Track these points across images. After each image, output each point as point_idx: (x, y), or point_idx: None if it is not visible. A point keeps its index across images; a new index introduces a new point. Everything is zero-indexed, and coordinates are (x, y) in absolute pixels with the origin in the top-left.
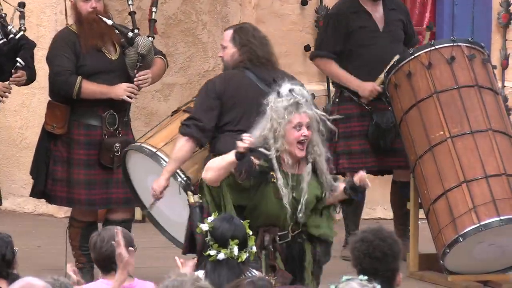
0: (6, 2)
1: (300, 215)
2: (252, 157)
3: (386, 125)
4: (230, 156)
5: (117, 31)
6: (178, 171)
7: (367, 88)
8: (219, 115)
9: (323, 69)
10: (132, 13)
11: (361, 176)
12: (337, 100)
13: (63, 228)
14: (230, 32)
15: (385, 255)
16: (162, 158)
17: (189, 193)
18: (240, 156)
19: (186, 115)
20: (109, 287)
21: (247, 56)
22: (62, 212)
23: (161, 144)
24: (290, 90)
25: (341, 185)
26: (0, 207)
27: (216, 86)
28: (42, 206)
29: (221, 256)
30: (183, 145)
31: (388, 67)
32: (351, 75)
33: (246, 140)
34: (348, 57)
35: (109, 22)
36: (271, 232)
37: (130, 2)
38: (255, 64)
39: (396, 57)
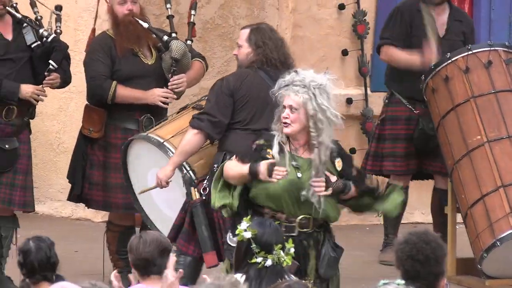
0: (42, 4)
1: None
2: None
3: (431, 131)
4: (244, 170)
5: (153, 35)
6: (184, 163)
7: (428, 56)
8: (232, 110)
9: (389, 58)
10: (170, 17)
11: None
12: (387, 101)
13: (100, 232)
14: (246, 32)
15: (427, 258)
16: (169, 149)
17: (193, 189)
18: (254, 175)
19: (195, 112)
20: None
21: (261, 58)
22: (100, 216)
23: (168, 136)
24: (295, 71)
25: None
26: (37, 211)
27: (230, 83)
28: (79, 210)
29: (269, 262)
30: (192, 138)
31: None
32: (411, 54)
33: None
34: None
35: (145, 25)
36: (277, 219)
37: (168, 6)
38: (269, 65)
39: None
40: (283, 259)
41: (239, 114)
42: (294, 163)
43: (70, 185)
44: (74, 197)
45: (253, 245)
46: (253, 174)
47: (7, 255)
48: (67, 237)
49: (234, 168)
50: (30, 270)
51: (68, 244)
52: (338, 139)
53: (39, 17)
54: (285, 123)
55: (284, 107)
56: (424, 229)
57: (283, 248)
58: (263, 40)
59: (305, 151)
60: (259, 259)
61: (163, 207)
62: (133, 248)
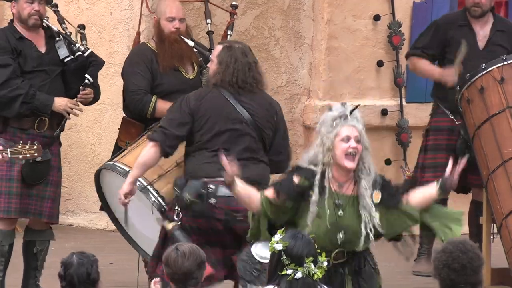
0: (68, 22)
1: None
2: (294, 176)
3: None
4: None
5: (196, 51)
6: (152, 190)
7: (449, 74)
8: (190, 130)
9: (414, 67)
10: (210, 33)
11: (450, 170)
12: (432, 112)
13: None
14: (219, 47)
15: (463, 268)
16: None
17: (166, 222)
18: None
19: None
20: None
21: (225, 78)
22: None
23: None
24: (342, 104)
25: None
26: (73, 223)
27: (190, 102)
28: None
29: (298, 275)
30: (148, 151)
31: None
32: (434, 66)
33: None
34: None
35: (191, 43)
36: None
37: (208, 21)
38: (232, 87)
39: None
40: (313, 272)
41: (200, 133)
42: (337, 201)
43: None
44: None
45: (284, 257)
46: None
47: (42, 267)
48: (102, 249)
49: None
50: (69, 284)
51: (103, 255)
52: (373, 150)
53: (68, 33)
54: (353, 154)
55: (349, 138)
56: (462, 239)
57: (314, 261)
58: (229, 61)
59: (349, 186)
60: (289, 271)
61: (145, 231)
62: (171, 261)
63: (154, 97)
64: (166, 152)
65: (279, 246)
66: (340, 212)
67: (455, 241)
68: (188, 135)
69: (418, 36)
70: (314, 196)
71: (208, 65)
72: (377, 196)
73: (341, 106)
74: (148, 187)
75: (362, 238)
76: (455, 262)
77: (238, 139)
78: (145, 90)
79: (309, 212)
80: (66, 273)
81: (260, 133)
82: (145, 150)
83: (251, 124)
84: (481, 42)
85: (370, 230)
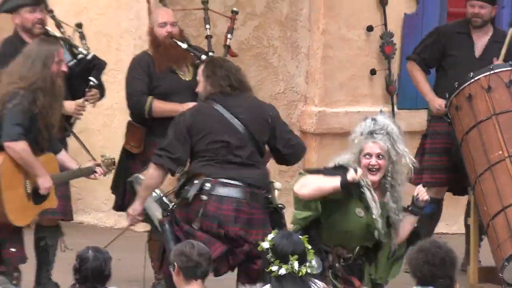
0: (66, 24)
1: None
2: (347, 174)
3: None
4: (335, 182)
5: (191, 53)
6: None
7: (435, 104)
8: (190, 146)
9: (410, 72)
10: (208, 37)
11: (419, 190)
12: (429, 118)
13: (142, 241)
14: (202, 66)
15: (443, 261)
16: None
17: (159, 213)
18: (345, 185)
19: None
20: None
21: (214, 86)
22: (142, 226)
23: None
24: (373, 119)
25: (406, 220)
26: (82, 221)
27: (186, 119)
28: (122, 220)
29: (282, 271)
30: (154, 173)
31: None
32: (428, 87)
33: (359, 173)
34: (442, 75)
35: (184, 46)
36: (339, 253)
37: (207, 26)
38: (223, 93)
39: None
40: (297, 269)
41: (197, 145)
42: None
43: (114, 196)
44: (116, 207)
45: (269, 255)
46: (345, 184)
47: (54, 261)
48: (110, 246)
49: (319, 181)
50: (83, 277)
51: (112, 252)
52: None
53: (67, 37)
54: (373, 170)
55: (370, 154)
56: (432, 238)
57: (301, 259)
58: (213, 69)
59: (378, 194)
60: (274, 268)
61: None
62: (185, 252)
63: (150, 97)
64: (169, 172)
65: (266, 245)
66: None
67: (427, 240)
68: (189, 150)
69: (420, 41)
70: (368, 195)
71: (197, 89)
72: None
73: (370, 121)
74: (163, 198)
75: (391, 242)
76: (435, 257)
77: (234, 149)
78: (142, 92)
79: (370, 208)
80: (82, 267)
81: (254, 140)
82: (150, 172)
83: (245, 134)
84: (478, 51)
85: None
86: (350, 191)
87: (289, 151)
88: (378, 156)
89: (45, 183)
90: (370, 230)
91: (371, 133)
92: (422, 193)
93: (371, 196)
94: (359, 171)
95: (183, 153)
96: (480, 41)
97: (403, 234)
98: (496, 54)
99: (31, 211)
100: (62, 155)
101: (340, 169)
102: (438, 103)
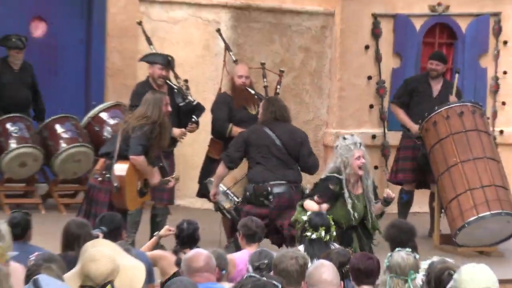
0: (179, 78)
1: (369, 217)
2: (329, 184)
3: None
4: (315, 206)
5: (256, 97)
6: (221, 185)
7: (415, 129)
8: (245, 153)
9: (393, 111)
10: (265, 87)
11: (388, 192)
12: (402, 137)
13: (218, 217)
14: (263, 101)
15: (411, 230)
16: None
17: (227, 203)
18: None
19: None
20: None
21: (266, 116)
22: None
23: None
24: (351, 135)
25: (377, 205)
26: (179, 204)
27: (244, 136)
28: (205, 203)
29: (313, 236)
30: (220, 167)
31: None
32: (407, 118)
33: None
34: (411, 108)
35: (252, 92)
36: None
37: (264, 80)
38: (273, 120)
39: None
40: (322, 236)
41: (251, 154)
42: (353, 196)
43: (199, 186)
44: (201, 194)
45: (306, 225)
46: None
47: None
48: (198, 220)
49: (312, 206)
50: (181, 241)
51: (199, 224)
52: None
53: (182, 86)
54: (361, 167)
55: (359, 157)
56: (400, 219)
57: (327, 230)
58: (267, 105)
59: (358, 187)
60: (308, 233)
61: None
62: (246, 224)
63: (231, 124)
64: (229, 167)
65: (305, 217)
66: (356, 202)
67: (397, 219)
68: (244, 155)
69: (396, 91)
70: (346, 194)
71: (259, 114)
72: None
73: (351, 137)
74: (227, 191)
75: (369, 218)
76: (404, 225)
77: (274, 156)
78: (224, 119)
79: (345, 203)
80: (180, 235)
81: (287, 150)
82: (219, 167)
83: (281, 146)
84: (434, 93)
85: (371, 213)
86: (336, 198)
87: (304, 167)
88: (363, 157)
89: (153, 181)
90: (350, 215)
91: (355, 144)
92: (389, 194)
93: (348, 195)
94: (324, 206)
95: (237, 157)
96: (436, 87)
97: (376, 210)
98: (446, 95)
99: (137, 201)
100: (155, 170)
101: (325, 181)
102: (415, 129)
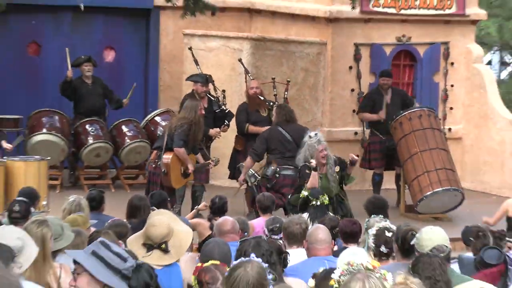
0: (218, 89)
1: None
2: (306, 169)
3: (393, 147)
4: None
5: (266, 103)
6: (255, 173)
7: (381, 115)
8: (267, 148)
9: (360, 118)
10: (275, 95)
11: (352, 156)
12: (370, 134)
13: (242, 192)
14: (275, 108)
15: (383, 204)
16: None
17: (252, 179)
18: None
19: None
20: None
21: (279, 118)
22: (244, 186)
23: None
24: (316, 134)
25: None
26: (214, 184)
27: (265, 134)
28: (233, 183)
29: (318, 203)
30: (248, 160)
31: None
32: (372, 115)
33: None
34: (372, 112)
35: (262, 98)
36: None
37: (274, 90)
38: (284, 121)
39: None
40: (323, 201)
41: (270, 147)
42: (320, 175)
43: (229, 170)
44: (231, 177)
45: (310, 197)
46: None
47: (199, 204)
48: (226, 195)
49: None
50: (214, 211)
51: (228, 197)
52: (350, 153)
53: (218, 96)
54: (324, 157)
55: (322, 150)
56: (376, 195)
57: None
58: (279, 110)
59: (323, 169)
60: (314, 202)
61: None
62: (260, 199)
63: (247, 124)
64: (255, 160)
65: (306, 193)
66: (323, 178)
67: (373, 196)
68: (266, 150)
69: (361, 101)
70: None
71: (273, 117)
72: (337, 168)
73: (315, 136)
74: (255, 173)
75: (332, 189)
76: (378, 199)
77: (287, 149)
78: (243, 121)
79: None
80: (213, 207)
81: (296, 143)
82: (247, 160)
83: (292, 140)
84: (388, 101)
85: (333, 184)
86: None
87: None
88: (325, 150)
89: (191, 167)
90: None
91: (319, 141)
92: (353, 157)
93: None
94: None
95: (262, 151)
96: (388, 95)
97: (348, 170)
98: (396, 101)
99: (181, 181)
100: (198, 156)
101: (304, 167)
102: (382, 115)
